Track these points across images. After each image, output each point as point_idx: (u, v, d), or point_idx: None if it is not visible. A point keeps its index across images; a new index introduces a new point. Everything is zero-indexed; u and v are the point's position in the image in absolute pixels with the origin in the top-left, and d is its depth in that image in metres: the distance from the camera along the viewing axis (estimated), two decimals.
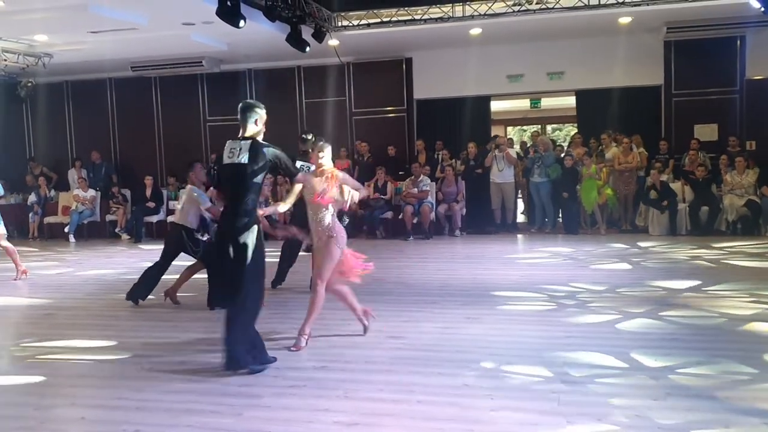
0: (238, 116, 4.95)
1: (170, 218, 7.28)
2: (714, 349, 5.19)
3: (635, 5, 11.09)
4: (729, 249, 10.05)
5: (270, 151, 4.89)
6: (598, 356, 5.07)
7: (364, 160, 14.07)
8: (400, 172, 13.77)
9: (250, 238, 4.85)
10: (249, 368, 4.83)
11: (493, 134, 14.44)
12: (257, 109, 4.96)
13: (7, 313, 7.44)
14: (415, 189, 12.49)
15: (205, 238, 13.26)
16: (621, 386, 4.49)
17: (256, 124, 4.94)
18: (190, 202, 7.27)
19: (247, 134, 4.91)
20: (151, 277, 7.43)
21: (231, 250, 4.82)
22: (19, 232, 15.01)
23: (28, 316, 7.26)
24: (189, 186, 7.39)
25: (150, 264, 7.58)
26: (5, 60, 12.22)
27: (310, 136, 7.52)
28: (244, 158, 4.78)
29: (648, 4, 11.06)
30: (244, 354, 4.86)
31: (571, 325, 6.04)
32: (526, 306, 6.87)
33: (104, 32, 11.24)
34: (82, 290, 8.58)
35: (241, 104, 5.03)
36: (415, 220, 12.42)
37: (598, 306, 6.73)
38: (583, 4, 11.14)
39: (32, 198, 14.83)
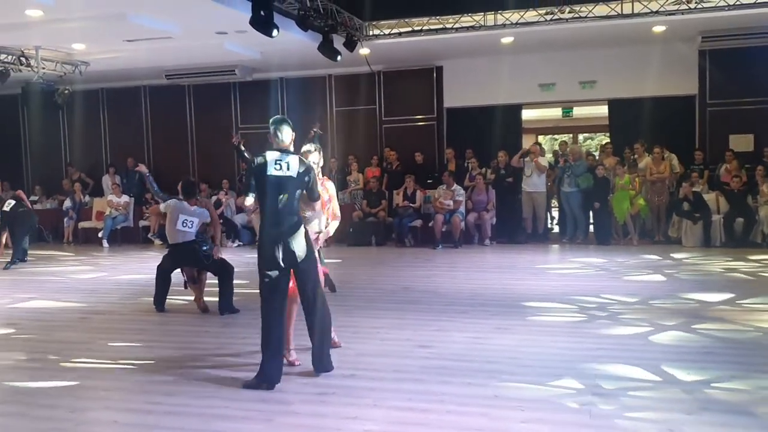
0: (275, 127, 4.98)
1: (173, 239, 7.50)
2: (749, 364, 5.10)
3: (670, 14, 10.96)
4: (765, 261, 9.87)
5: (312, 168, 5.05)
6: (630, 369, 5.01)
7: (393, 168, 14.10)
8: (428, 180, 13.78)
9: (305, 241, 4.95)
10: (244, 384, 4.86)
11: (524, 142, 14.37)
12: (291, 126, 5.06)
13: (43, 316, 7.55)
14: (451, 201, 12.43)
15: (235, 245, 13.47)
16: (654, 400, 4.43)
17: (291, 138, 5.03)
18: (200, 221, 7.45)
19: (287, 147, 4.98)
20: (162, 282, 7.58)
21: (283, 256, 4.84)
22: (54, 237, 15.31)
23: (63, 319, 7.36)
24: (207, 213, 7.57)
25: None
26: (44, 68, 12.48)
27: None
28: (294, 171, 4.88)
29: (683, 14, 10.93)
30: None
31: (602, 336, 5.98)
32: (558, 317, 6.81)
33: (140, 41, 11.44)
34: (115, 294, 8.70)
35: (277, 117, 5.10)
36: (444, 229, 12.39)
37: (630, 318, 6.65)
38: (616, 14, 11.04)
39: (67, 203, 15.12)
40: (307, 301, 4.99)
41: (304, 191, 4.98)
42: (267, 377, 4.78)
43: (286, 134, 4.98)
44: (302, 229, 4.95)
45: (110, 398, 4.83)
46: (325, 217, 5.58)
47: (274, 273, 4.83)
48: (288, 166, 4.87)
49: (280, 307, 4.91)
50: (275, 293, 4.87)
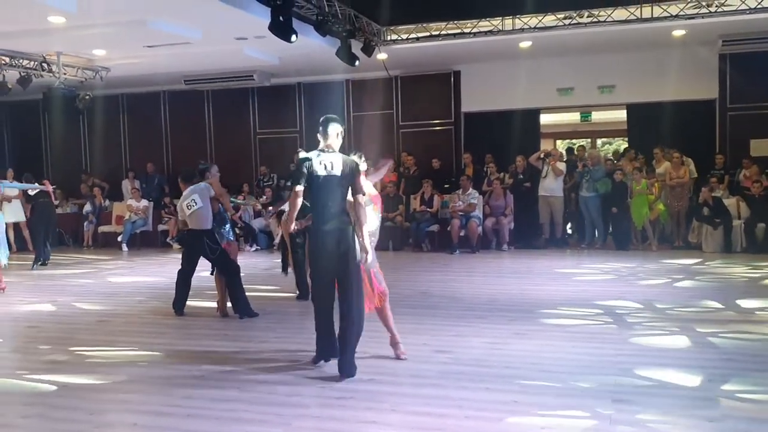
0: (323, 126, 5.13)
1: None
2: None
3: (689, 18, 10.86)
4: None
5: (356, 166, 5.13)
6: (651, 375, 4.96)
7: (410, 173, 14.09)
8: (446, 185, 13.75)
9: (351, 239, 5.07)
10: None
11: (542, 147, 14.31)
12: (340, 124, 5.19)
13: (63, 319, 7.62)
14: (460, 202, 12.41)
15: (253, 249, 13.49)
16: (674, 406, 4.38)
17: (338, 137, 5.15)
18: (207, 201, 7.47)
19: (333, 146, 5.11)
20: (183, 285, 7.62)
21: (331, 255, 4.99)
22: (73, 241, 15.47)
23: (83, 322, 7.42)
24: (203, 184, 7.61)
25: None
26: (65, 73, 12.62)
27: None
28: (338, 170, 5.01)
29: (703, 17, 10.83)
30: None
31: (622, 342, 5.93)
32: (576, 322, 6.76)
33: (159, 46, 11.53)
34: (134, 298, 8.76)
35: (327, 116, 5.21)
36: (462, 233, 12.36)
37: (650, 324, 6.59)
38: (635, 17, 10.97)
39: (87, 207, 15.25)
40: (347, 303, 5.06)
41: (350, 188, 5.08)
42: (324, 352, 5.27)
43: (332, 133, 5.10)
44: (350, 230, 5.06)
45: (129, 401, 4.87)
46: (376, 216, 5.57)
47: (324, 270, 5.02)
48: (332, 165, 5.00)
49: (330, 304, 5.14)
50: (326, 289, 5.09)
